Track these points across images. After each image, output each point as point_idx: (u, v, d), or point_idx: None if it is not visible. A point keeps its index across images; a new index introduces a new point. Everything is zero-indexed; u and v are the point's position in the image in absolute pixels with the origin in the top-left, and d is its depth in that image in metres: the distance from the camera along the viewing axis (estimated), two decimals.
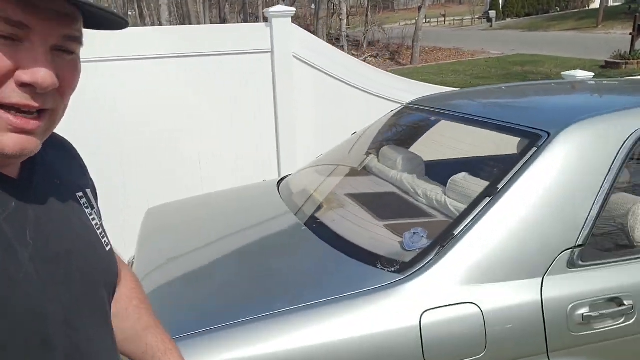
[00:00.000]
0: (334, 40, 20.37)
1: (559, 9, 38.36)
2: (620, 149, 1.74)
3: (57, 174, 0.79)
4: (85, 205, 0.81)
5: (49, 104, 0.64)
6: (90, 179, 0.90)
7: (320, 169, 2.55)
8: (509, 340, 1.55)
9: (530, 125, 1.86)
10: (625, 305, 1.63)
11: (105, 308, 0.80)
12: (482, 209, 1.65)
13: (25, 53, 0.60)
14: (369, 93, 3.80)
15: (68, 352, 0.69)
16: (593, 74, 4.34)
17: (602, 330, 1.62)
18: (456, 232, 1.62)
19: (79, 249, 0.74)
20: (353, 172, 2.58)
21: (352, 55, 22.07)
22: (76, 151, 0.89)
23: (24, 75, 0.60)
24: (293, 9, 3.62)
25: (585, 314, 1.59)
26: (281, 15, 3.52)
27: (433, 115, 2.32)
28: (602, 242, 1.72)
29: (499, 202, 1.65)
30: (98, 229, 0.82)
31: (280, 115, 3.66)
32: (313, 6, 22.09)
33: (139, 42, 3.44)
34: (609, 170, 1.71)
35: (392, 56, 21.31)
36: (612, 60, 14.90)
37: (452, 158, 2.71)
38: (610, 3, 36.80)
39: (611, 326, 1.63)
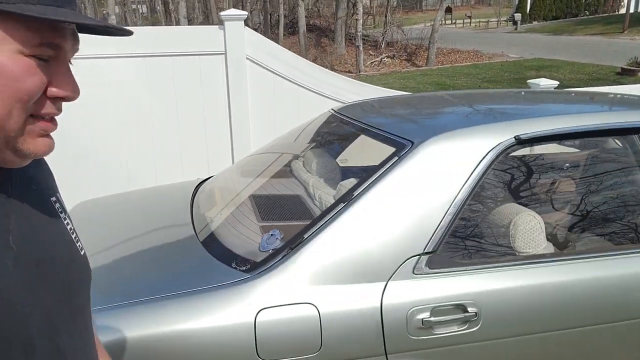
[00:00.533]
0: (352, 40, 20.37)
1: (587, 13, 37.58)
2: (480, 162, 1.79)
3: (33, 179, 0.81)
4: (60, 210, 0.83)
5: (60, 110, 0.70)
6: (56, 183, 0.92)
7: (245, 169, 2.63)
8: (346, 340, 1.62)
9: (400, 134, 1.92)
10: (469, 312, 1.68)
11: (85, 311, 0.82)
12: (335, 214, 1.71)
13: (56, 70, 0.66)
14: (320, 94, 3.88)
15: (50, 356, 0.71)
16: (557, 83, 4.32)
17: (443, 335, 1.67)
18: (306, 235, 1.69)
19: (59, 254, 0.77)
20: (274, 173, 2.66)
21: (370, 55, 22.09)
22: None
23: (58, 91, 0.67)
24: (245, 12, 3.71)
25: (425, 319, 1.65)
26: (234, 18, 3.61)
27: (344, 124, 2.38)
28: (455, 250, 1.76)
29: (352, 208, 1.71)
30: (72, 233, 0.84)
31: (234, 114, 3.76)
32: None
33: (98, 42, 3.57)
34: (465, 183, 1.76)
35: (409, 57, 21.23)
36: (627, 67, 14.61)
37: (361, 165, 2.77)
38: None
39: (454, 332, 1.68)
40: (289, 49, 17.46)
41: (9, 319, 0.65)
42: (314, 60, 20.76)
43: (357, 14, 18.31)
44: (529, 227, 1.96)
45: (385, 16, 23.07)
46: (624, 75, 14.41)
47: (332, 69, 19.86)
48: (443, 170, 1.77)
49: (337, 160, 2.79)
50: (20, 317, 0.67)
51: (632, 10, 34.99)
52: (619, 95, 2.59)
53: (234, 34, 3.61)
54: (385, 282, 1.66)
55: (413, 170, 1.76)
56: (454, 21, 42.25)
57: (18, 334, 0.66)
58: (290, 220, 2.06)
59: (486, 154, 1.80)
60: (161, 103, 3.74)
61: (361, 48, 18.56)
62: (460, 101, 2.36)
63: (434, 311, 1.66)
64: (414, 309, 1.65)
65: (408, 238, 1.70)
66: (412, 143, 1.83)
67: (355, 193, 1.74)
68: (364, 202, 1.72)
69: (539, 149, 2.26)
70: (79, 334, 0.79)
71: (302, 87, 3.85)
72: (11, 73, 0.62)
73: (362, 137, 2.16)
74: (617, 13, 36.17)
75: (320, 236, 1.68)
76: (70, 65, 0.70)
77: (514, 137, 1.84)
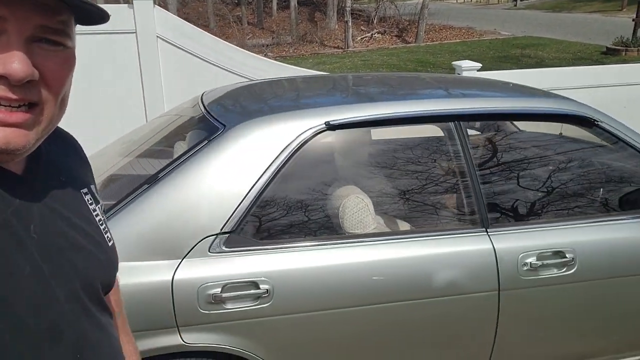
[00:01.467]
0: (345, 15, 20.18)
1: None
2: (287, 147, 1.86)
3: (63, 170, 0.79)
4: (90, 202, 0.82)
5: (32, 96, 0.62)
6: (92, 173, 0.90)
7: (110, 149, 2.71)
8: (138, 313, 1.72)
9: (218, 118, 1.99)
10: (261, 289, 1.78)
11: (104, 300, 0.81)
12: (137, 194, 1.80)
13: (1, 45, 0.59)
14: (231, 72, 3.94)
15: (76, 342, 0.71)
16: (480, 65, 4.35)
17: (234, 310, 1.77)
18: (108, 215, 1.78)
19: (82, 244, 0.76)
20: (128, 154, 2.71)
21: (361, 31, 21.87)
22: (80, 146, 0.90)
23: None
24: None
25: (215, 294, 1.74)
26: None
27: (194, 108, 2.44)
28: (256, 231, 1.85)
29: (154, 188, 1.80)
30: (102, 224, 0.83)
31: (147, 94, 3.83)
32: None
33: None
34: (269, 166, 1.84)
35: (400, 33, 21.02)
36: (613, 46, 14.44)
37: None
38: None
39: (245, 307, 1.78)
40: (281, 24, 17.30)
41: (34, 305, 0.65)
42: (303, 36, 20.59)
43: None
44: (356, 209, 2.05)
45: None
46: (609, 54, 14.27)
47: (322, 44, 19.71)
48: (249, 154, 1.85)
49: None
50: (45, 303, 0.67)
51: None
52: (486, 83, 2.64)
53: (144, 13, 3.66)
54: (180, 260, 1.76)
55: (220, 153, 1.84)
56: None
57: (44, 319, 0.67)
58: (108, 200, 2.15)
59: (294, 139, 1.88)
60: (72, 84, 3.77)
61: (350, 23, 18.39)
62: (309, 85, 2.43)
63: (226, 287, 1.76)
64: (205, 284, 1.75)
65: (206, 218, 1.78)
66: (224, 127, 1.90)
67: (161, 174, 1.82)
68: (166, 183, 1.80)
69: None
70: (102, 323, 0.79)
71: (216, 65, 3.91)
72: None
73: (201, 121, 2.24)
74: None
75: (119, 215, 1.77)
76: (57, 48, 0.64)
77: (325, 122, 1.91)
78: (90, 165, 0.90)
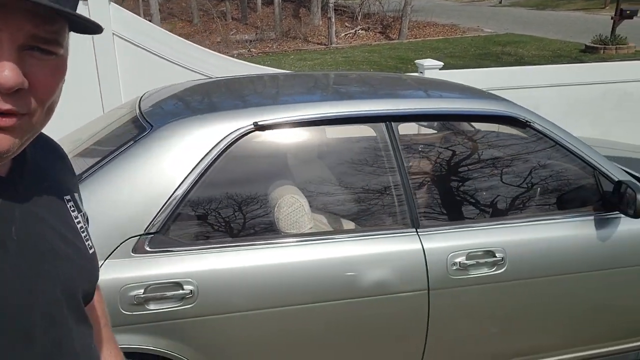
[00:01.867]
0: (328, 11, 20.14)
1: None
2: (214, 147, 1.86)
3: (47, 176, 0.79)
4: (72, 209, 0.82)
5: (21, 107, 0.62)
6: (77, 182, 0.91)
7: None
8: None
9: (147, 118, 1.98)
10: (184, 289, 1.78)
11: (84, 309, 0.81)
12: None
13: None
14: (188, 69, 3.92)
15: (48, 348, 0.71)
16: (442, 64, 4.37)
17: (157, 311, 1.77)
18: None
19: (63, 250, 0.76)
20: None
21: (345, 27, 21.87)
22: (66, 155, 0.90)
23: None
24: None
25: (137, 296, 1.74)
26: None
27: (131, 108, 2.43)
28: (182, 231, 1.84)
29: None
30: (83, 232, 0.83)
31: (104, 91, 3.80)
32: None
33: None
34: (196, 167, 1.84)
35: (384, 30, 21.04)
36: (591, 44, 14.56)
37: None
38: None
39: (169, 308, 1.77)
40: (265, 20, 17.16)
41: (10, 308, 0.65)
42: (287, 32, 20.53)
43: None
44: (291, 209, 2.05)
45: None
46: (587, 52, 14.38)
47: (305, 41, 19.67)
48: (175, 154, 1.84)
49: None
50: (21, 307, 0.67)
51: None
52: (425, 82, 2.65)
53: (98, 10, 3.63)
54: (102, 261, 1.75)
55: (145, 153, 1.83)
56: None
57: (18, 323, 0.66)
58: None
59: (221, 140, 1.87)
60: None
61: (333, 20, 18.37)
62: (252, 84, 2.42)
63: (149, 289, 1.76)
64: (128, 286, 1.74)
65: (130, 219, 1.78)
66: (152, 127, 1.90)
67: (85, 175, 1.81)
68: (90, 183, 1.79)
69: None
70: (79, 332, 0.78)
71: (174, 63, 3.89)
72: None
73: (133, 121, 2.22)
74: None
75: None
76: (48, 57, 0.64)
77: (253, 123, 1.91)
78: (74, 174, 0.90)
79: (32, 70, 0.62)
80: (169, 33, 4.10)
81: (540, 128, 2.15)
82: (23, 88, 0.61)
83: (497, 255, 2.02)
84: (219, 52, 16.54)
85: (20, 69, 0.60)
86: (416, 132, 2.50)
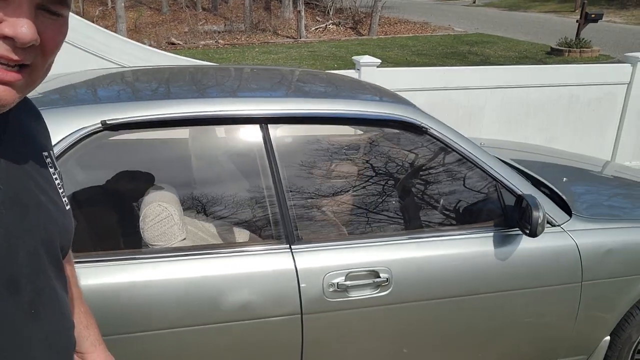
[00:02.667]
0: (297, 3, 19.83)
1: None
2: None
3: (27, 132, 0.82)
4: (50, 165, 0.84)
5: (29, 59, 0.66)
6: (51, 141, 0.93)
7: None
8: None
9: None
10: None
11: (62, 261, 0.83)
12: None
13: (11, 9, 0.62)
14: (104, 59, 3.67)
15: (32, 296, 0.72)
16: (379, 62, 4.17)
17: None
18: None
19: (45, 204, 0.78)
20: None
21: (317, 21, 21.58)
22: (39, 111, 0.92)
23: (7, 29, 0.62)
24: None
25: None
26: None
27: None
28: None
29: None
30: (60, 188, 0.85)
31: None
32: None
33: None
34: None
35: (355, 25, 20.83)
36: (557, 47, 14.58)
37: None
38: None
39: None
40: (235, 11, 16.91)
41: None
42: (256, 25, 20.16)
43: None
44: (158, 219, 1.82)
45: None
46: (552, 54, 14.40)
47: (275, 34, 19.33)
48: None
49: None
50: (7, 256, 0.68)
51: None
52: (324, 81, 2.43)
53: None
54: None
55: None
56: None
57: (4, 272, 0.68)
58: None
59: (61, 140, 1.63)
60: None
61: (302, 13, 18.08)
62: (140, 77, 2.17)
63: None
64: None
65: None
66: None
67: None
68: None
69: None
70: (59, 284, 0.81)
71: (88, 52, 3.61)
72: None
73: None
74: None
75: None
76: (56, 17, 0.67)
77: (101, 122, 1.67)
78: (49, 133, 0.92)
79: (42, 29, 0.66)
80: (96, 26, 3.82)
81: (438, 135, 1.95)
82: (35, 44, 0.65)
83: (381, 275, 1.82)
84: (186, 42, 16.10)
85: (34, 25, 0.64)
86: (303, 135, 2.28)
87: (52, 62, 0.73)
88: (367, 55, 4.20)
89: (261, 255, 1.75)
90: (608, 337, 2.22)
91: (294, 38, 18.19)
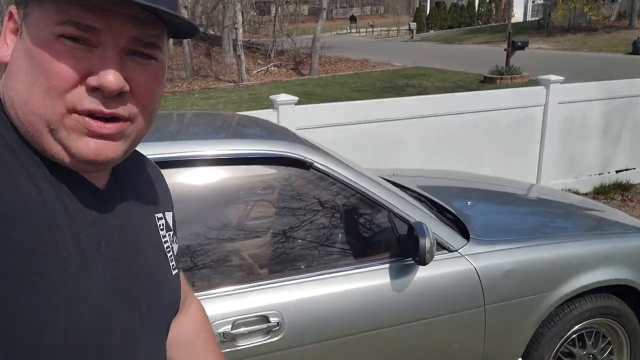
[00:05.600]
0: (236, 48, 20.01)
1: (480, 22, 39.35)
2: None
3: (141, 192, 0.80)
4: (161, 228, 0.82)
5: (124, 110, 0.63)
6: (171, 201, 0.90)
7: None
8: None
9: None
10: None
11: (163, 330, 0.80)
12: None
13: (96, 58, 0.60)
14: None
15: None
16: (297, 99, 4.17)
17: None
18: None
19: (148, 269, 0.75)
20: None
21: (258, 64, 21.81)
22: (161, 173, 0.91)
23: (93, 80, 0.60)
24: None
25: None
26: None
27: None
28: None
29: None
30: (169, 252, 0.83)
31: None
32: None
33: None
34: None
35: (296, 66, 21.16)
36: (489, 75, 15.18)
37: None
38: (529, 17, 38.04)
39: None
40: (175, 58, 16.91)
41: (89, 324, 0.64)
42: (197, 71, 20.20)
43: (237, 24, 17.96)
44: None
45: (274, 26, 22.94)
46: (485, 82, 14.96)
47: (217, 79, 19.39)
48: None
49: None
50: (101, 324, 0.66)
51: (521, 19, 37.02)
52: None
53: None
54: None
55: None
56: (357, 30, 42.97)
57: (95, 340, 0.65)
58: None
59: None
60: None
61: (242, 57, 18.24)
62: None
63: None
64: None
65: None
66: None
67: None
68: None
69: None
70: (153, 348, 0.77)
71: None
72: (38, 55, 0.60)
73: None
74: (505, 23, 38.12)
75: None
76: (148, 61, 0.65)
77: None
78: (170, 194, 0.90)
79: (133, 75, 0.63)
80: None
81: (325, 169, 1.92)
82: (125, 92, 0.63)
83: (271, 320, 1.74)
84: None
85: (122, 73, 0.62)
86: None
87: (155, 110, 0.69)
88: (283, 94, 4.20)
89: None
90: (520, 359, 2.19)
91: (235, 82, 18.28)
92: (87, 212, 0.67)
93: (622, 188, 5.86)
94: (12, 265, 0.58)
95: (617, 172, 5.96)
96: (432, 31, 37.70)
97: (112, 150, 0.64)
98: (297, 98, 4.19)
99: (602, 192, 5.79)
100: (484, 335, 2.06)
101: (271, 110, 4.19)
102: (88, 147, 0.62)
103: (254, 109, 4.12)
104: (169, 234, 0.85)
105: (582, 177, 5.77)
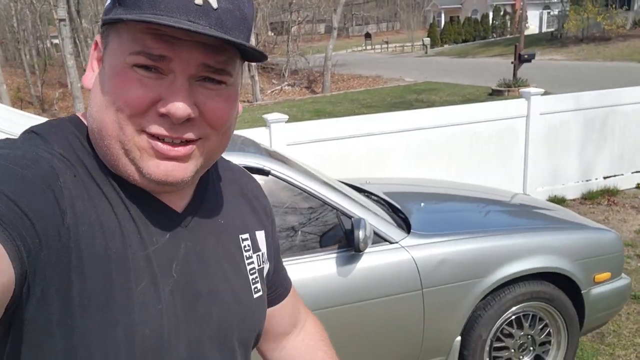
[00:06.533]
0: (258, 69, 20.62)
1: (495, 35, 39.55)
2: None
3: (224, 212, 0.79)
4: (246, 249, 0.81)
5: (193, 134, 0.65)
6: (270, 219, 0.90)
7: None
8: None
9: None
10: None
11: (235, 352, 0.78)
12: None
13: (166, 85, 0.62)
14: None
15: None
16: (287, 117, 4.57)
17: None
18: None
19: (222, 293, 0.75)
20: None
21: (272, 84, 22.44)
22: (260, 188, 0.91)
23: (161, 107, 0.62)
24: None
25: None
26: None
27: None
28: None
29: None
30: (253, 273, 0.81)
31: None
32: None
33: None
34: None
35: (310, 85, 21.72)
36: (497, 88, 15.45)
37: None
38: (545, 29, 38.08)
39: None
40: None
41: (152, 346, 0.64)
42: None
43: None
44: None
45: (287, 46, 23.56)
46: (494, 95, 15.22)
47: None
48: None
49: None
50: (163, 346, 0.66)
51: (536, 30, 37.08)
52: None
53: None
54: None
55: None
56: (373, 47, 43.53)
57: (161, 358, 0.65)
58: None
59: None
60: None
61: (256, 78, 18.89)
62: None
63: None
64: None
65: None
66: None
67: None
68: None
69: None
70: None
71: None
72: (112, 82, 0.63)
73: None
74: (518, 35, 38.13)
75: None
76: (218, 86, 0.65)
77: None
78: (265, 211, 0.89)
79: (203, 100, 0.64)
80: None
81: (281, 176, 2.30)
82: (193, 117, 0.64)
83: None
84: None
85: (192, 99, 0.63)
86: None
87: (230, 130, 0.70)
88: (275, 113, 4.60)
89: None
90: (459, 337, 2.52)
91: (249, 102, 18.87)
92: (160, 234, 0.69)
93: (609, 193, 6.11)
94: (97, 275, 0.61)
95: (604, 178, 6.21)
96: (446, 45, 38.04)
97: (181, 171, 0.65)
98: (287, 117, 4.59)
99: (589, 198, 6.05)
100: (422, 316, 2.40)
101: (264, 128, 4.60)
102: (158, 168, 0.64)
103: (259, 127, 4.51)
104: (256, 255, 0.83)
105: (569, 183, 6.04)
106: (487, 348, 2.60)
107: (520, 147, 5.66)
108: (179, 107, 0.62)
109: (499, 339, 2.64)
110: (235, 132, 4.26)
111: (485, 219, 2.81)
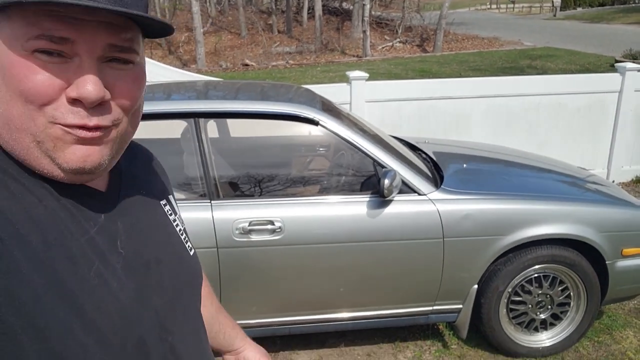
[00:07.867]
0: (370, 23, 20.65)
1: (637, 1, 35.86)
2: None
3: (142, 184, 0.81)
4: (169, 213, 0.84)
5: (106, 119, 0.63)
6: (169, 183, 0.92)
7: None
8: None
9: None
10: None
11: (196, 307, 0.83)
12: None
13: (73, 69, 0.60)
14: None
15: (163, 355, 0.72)
16: (367, 76, 4.85)
17: None
18: None
19: (166, 256, 0.78)
20: None
21: (385, 40, 22.33)
22: (156, 159, 0.92)
23: (72, 92, 0.60)
24: None
25: None
26: None
27: None
28: None
29: None
30: (182, 234, 0.85)
31: None
32: None
33: None
34: None
35: (422, 43, 21.37)
36: (620, 59, 14.32)
37: None
38: None
39: None
40: (306, 32, 17.79)
41: (122, 322, 0.66)
42: (326, 44, 21.26)
43: (365, 1, 18.66)
44: None
45: (403, 1, 23.18)
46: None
47: (343, 53, 20.31)
48: None
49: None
50: (132, 319, 0.68)
51: None
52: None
53: None
54: None
55: None
56: (498, 6, 41.28)
57: (131, 336, 0.67)
58: None
59: None
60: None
61: (368, 33, 18.92)
62: None
63: None
64: None
65: None
66: None
67: None
68: None
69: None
70: (192, 334, 0.81)
71: None
72: (12, 72, 0.59)
73: None
74: None
75: None
76: (126, 66, 0.65)
77: None
78: (167, 176, 0.92)
79: (112, 81, 0.63)
80: None
81: (328, 126, 2.68)
82: (105, 99, 0.62)
83: (275, 224, 2.56)
84: (259, 63, 17.21)
85: (101, 80, 0.61)
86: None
87: (139, 111, 0.70)
88: (357, 71, 4.91)
89: (188, 207, 2.56)
90: (476, 286, 2.80)
91: (359, 57, 19.04)
92: (95, 216, 0.69)
93: None
94: (39, 281, 0.59)
95: None
96: (579, 8, 35.17)
97: (97, 156, 0.64)
98: (367, 75, 4.89)
99: None
100: (442, 262, 2.71)
101: (345, 84, 4.94)
102: (75, 155, 0.62)
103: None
104: (177, 217, 0.87)
105: None
106: (504, 300, 2.86)
107: (609, 123, 5.52)
108: (91, 90, 0.60)
109: (517, 294, 2.88)
110: (318, 85, 4.64)
111: (520, 184, 3.00)
